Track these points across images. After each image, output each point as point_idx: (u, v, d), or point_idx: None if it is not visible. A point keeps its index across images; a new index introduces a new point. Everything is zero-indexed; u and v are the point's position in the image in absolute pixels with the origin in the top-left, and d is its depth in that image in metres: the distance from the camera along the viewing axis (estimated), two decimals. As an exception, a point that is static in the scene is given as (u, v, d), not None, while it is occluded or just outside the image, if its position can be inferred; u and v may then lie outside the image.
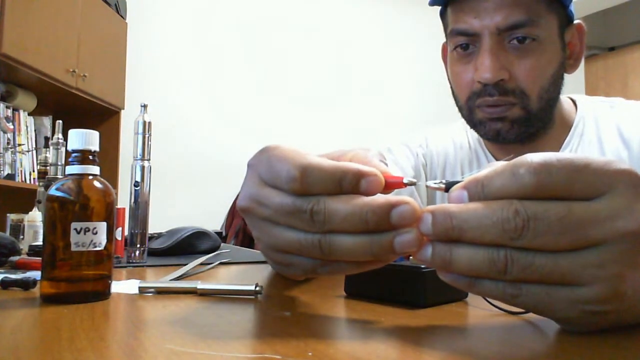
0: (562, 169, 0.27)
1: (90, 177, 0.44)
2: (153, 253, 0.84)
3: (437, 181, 0.33)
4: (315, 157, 0.33)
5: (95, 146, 0.45)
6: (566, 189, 0.27)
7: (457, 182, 0.31)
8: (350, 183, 0.31)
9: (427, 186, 0.34)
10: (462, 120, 0.77)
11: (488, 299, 0.40)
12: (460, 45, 0.71)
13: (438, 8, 0.76)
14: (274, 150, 0.33)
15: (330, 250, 0.31)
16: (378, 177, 0.32)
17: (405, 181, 0.33)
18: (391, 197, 0.31)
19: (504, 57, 0.67)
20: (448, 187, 0.32)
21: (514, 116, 0.69)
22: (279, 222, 0.32)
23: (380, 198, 0.30)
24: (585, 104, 0.79)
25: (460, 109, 0.75)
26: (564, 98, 0.79)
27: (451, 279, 0.30)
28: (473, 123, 0.73)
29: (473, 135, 0.83)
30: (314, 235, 0.31)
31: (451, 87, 0.77)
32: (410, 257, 0.43)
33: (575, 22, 0.73)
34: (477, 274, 0.29)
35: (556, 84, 0.71)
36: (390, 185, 0.33)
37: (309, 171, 0.31)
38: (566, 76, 0.74)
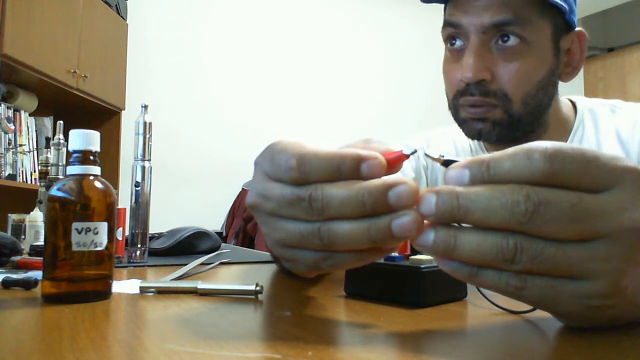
0: (575, 159, 0.27)
1: (91, 178, 0.44)
2: (154, 253, 0.84)
3: (437, 155, 0.32)
4: (315, 146, 0.32)
5: (96, 146, 0.45)
6: (576, 179, 0.27)
7: (456, 161, 0.30)
8: (349, 168, 0.30)
9: (425, 154, 0.34)
10: None
11: (488, 297, 0.40)
12: (450, 41, 0.72)
13: (439, 11, 0.77)
14: (277, 144, 0.33)
15: (329, 238, 0.30)
16: (378, 159, 0.30)
17: (406, 152, 0.32)
18: (389, 177, 0.30)
19: (489, 57, 0.67)
20: (446, 163, 0.31)
21: (495, 118, 0.68)
22: (282, 215, 0.32)
23: (377, 179, 0.30)
24: (585, 107, 0.79)
25: (449, 107, 0.75)
26: (563, 100, 0.78)
27: (452, 268, 0.29)
28: (458, 121, 0.74)
29: None
30: (314, 224, 0.30)
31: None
32: (410, 257, 0.43)
33: (577, 29, 0.72)
34: (482, 263, 0.28)
35: (545, 90, 0.70)
36: (393, 162, 0.32)
37: (306, 159, 0.31)
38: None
